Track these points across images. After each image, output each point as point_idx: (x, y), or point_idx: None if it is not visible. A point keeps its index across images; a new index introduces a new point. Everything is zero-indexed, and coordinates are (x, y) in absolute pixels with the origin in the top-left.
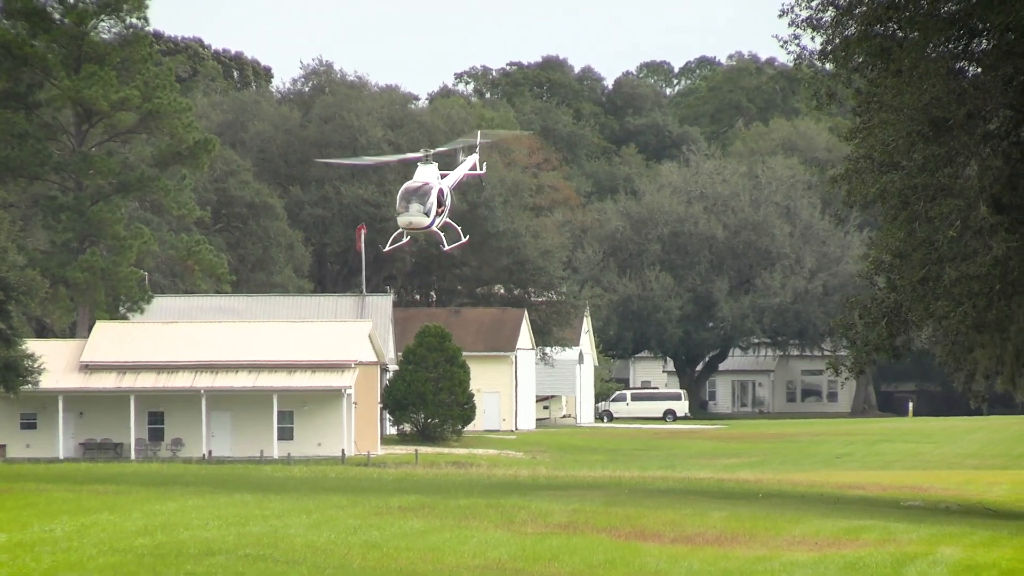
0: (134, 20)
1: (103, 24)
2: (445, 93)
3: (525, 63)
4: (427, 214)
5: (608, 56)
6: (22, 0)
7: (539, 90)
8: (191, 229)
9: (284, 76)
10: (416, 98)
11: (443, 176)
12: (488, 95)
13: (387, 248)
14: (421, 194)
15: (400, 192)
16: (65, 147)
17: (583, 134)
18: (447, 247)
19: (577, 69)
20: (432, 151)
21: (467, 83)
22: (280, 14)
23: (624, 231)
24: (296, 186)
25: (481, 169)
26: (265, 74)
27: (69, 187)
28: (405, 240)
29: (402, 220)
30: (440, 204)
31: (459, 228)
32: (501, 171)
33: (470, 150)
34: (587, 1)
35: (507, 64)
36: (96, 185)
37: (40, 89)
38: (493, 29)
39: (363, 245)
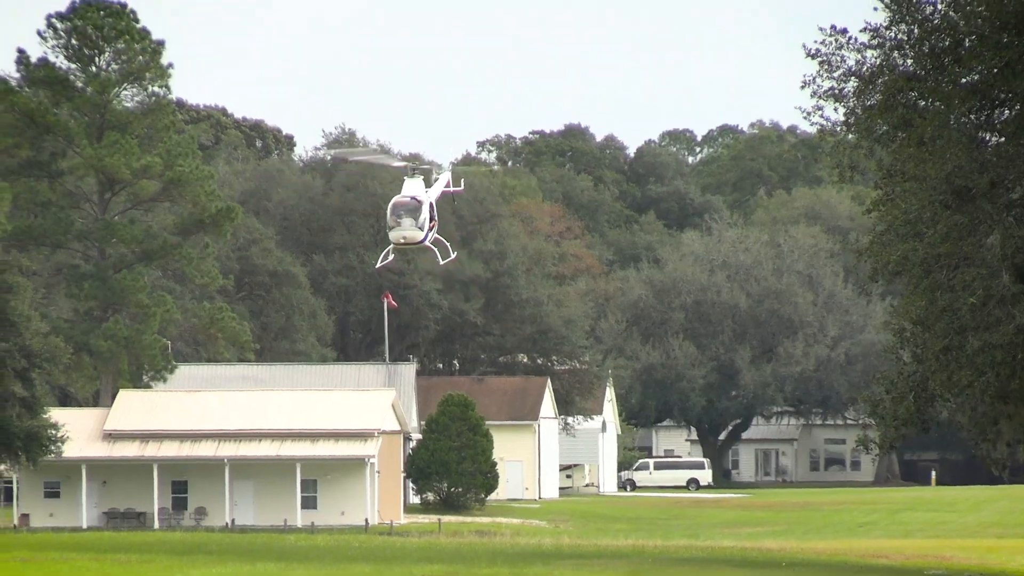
0: (156, 88)
1: (126, 92)
2: (468, 161)
3: (547, 131)
4: (420, 228)
5: (630, 124)
6: (45, 69)
7: (561, 158)
8: (214, 297)
9: (307, 144)
10: (439, 166)
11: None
12: (511, 163)
13: (378, 265)
14: (412, 208)
15: (390, 207)
16: (88, 215)
17: (605, 202)
18: (442, 262)
19: (599, 137)
20: (417, 165)
21: (490, 151)
22: (302, 82)
23: (647, 300)
24: (319, 254)
25: (459, 185)
26: (287, 142)
27: (92, 255)
28: (390, 259)
29: (395, 235)
30: (432, 218)
31: (448, 243)
32: (524, 239)
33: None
34: (609, 70)
35: (530, 132)
36: (119, 253)
37: (63, 157)
38: (516, 97)
39: (387, 309)
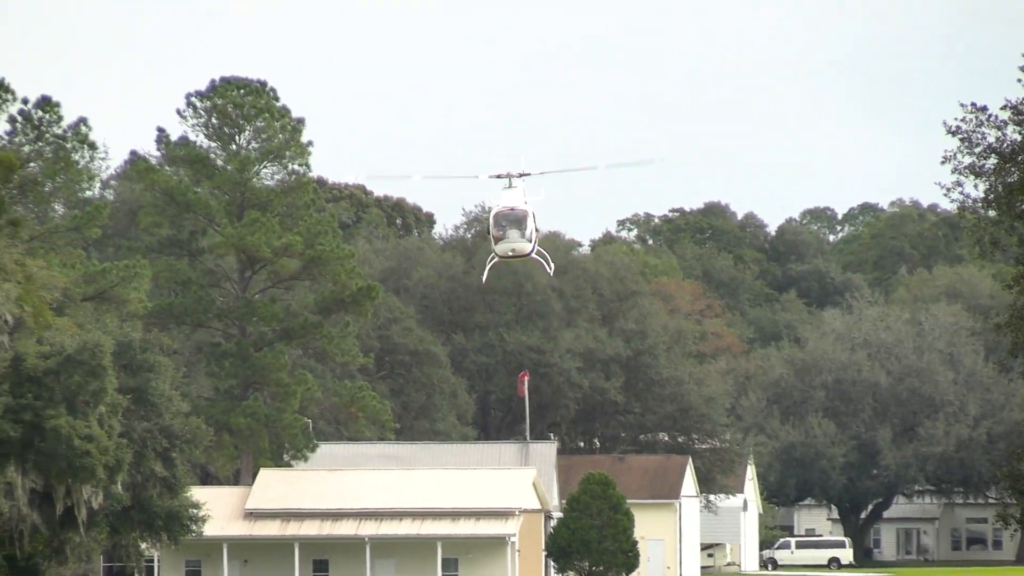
0: (297, 167)
1: (266, 170)
2: (608, 239)
3: (687, 209)
4: (528, 240)
5: (771, 202)
6: (185, 147)
7: (701, 236)
8: (355, 376)
9: (447, 222)
10: (580, 245)
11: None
12: (651, 241)
13: (484, 277)
14: (518, 219)
15: (493, 218)
16: (228, 294)
17: (745, 280)
18: (551, 270)
19: (740, 215)
20: (515, 174)
21: (630, 229)
22: (443, 161)
23: (787, 378)
24: (459, 333)
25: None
26: (428, 220)
27: (233, 334)
28: (487, 270)
29: (502, 247)
30: (536, 229)
31: (547, 254)
32: (664, 318)
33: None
34: (749, 148)
35: (669, 211)
36: (259, 332)
37: (203, 236)
38: (655, 176)
39: (527, 392)
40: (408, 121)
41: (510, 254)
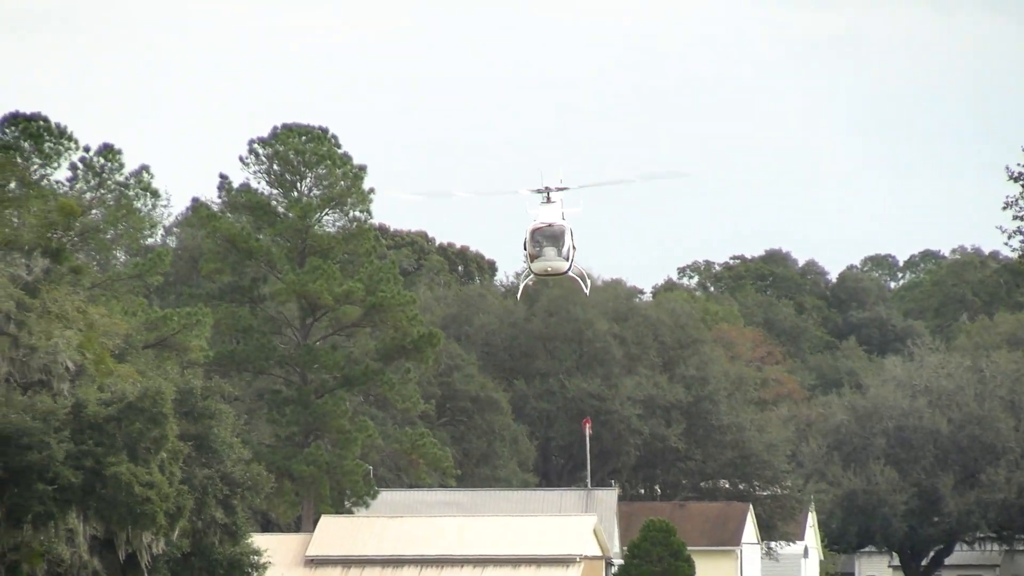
0: (358, 213)
1: (327, 217)
2: (669, 287)
3: (748, 256)
4: (565, 258)
5: (831, 249)
6: (247, 194)
7: (762, 283)
8: (415, 423)
9: (508, 269)
10: (641, 292)
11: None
12: (712, 288)
13: (519, 295)
14: (554, 236)
15: (529, 235)
16: (289, 340)
17: (806, 327)
18: (587, 288)
19: (801, 262)
20: (552, 188)
21: (691, 277)
22: (503, 209)
23: (848, 425)
24: (521, 379)
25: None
26: (489, 267)
27: (294, 381)
28: (523, 287)
29: (538, 266)
30: (573, 246)
31: (584, 272)
32: (725, 364)
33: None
34: (810, 195)
35: (730, 258)
36: (321, 379)
37: (264, 283)
38: (716, 223)
39: (588, 438)
40: (464, 167)
41: (547, 272)
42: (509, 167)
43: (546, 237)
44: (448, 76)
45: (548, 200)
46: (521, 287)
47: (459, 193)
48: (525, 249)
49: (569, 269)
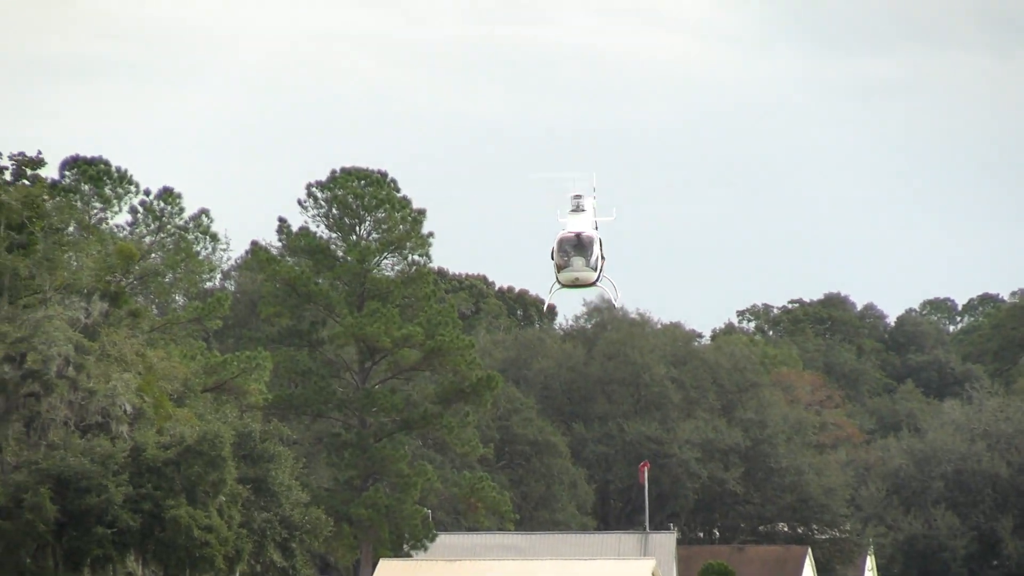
0: (417, 257)
1: (386, 261)
2: (728, 330)
3: (807, 300)
4: (593, 268)
5: (890, 293)
6: (306, 237)
7: (820, 327)
8: (474, 466)
9: (567, 313)
10: (700, 335)
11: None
12: (770, 332)
13: (546, 305)
14: (583, 246)
15: (557, 244)
16: (348, 384)
17: (865, 371)
18: (617, 300)
19: (859, 306)
20: (580, 195)
21: (750, 320)
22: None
23: (907, 469)
24: (579, 423)
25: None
26: (548, 311)
27: (352, 424)
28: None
29: (566, 276)
30: (602, 256)
31: (614, 283)
32: (784, 408)
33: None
34: (869, 238)
35: (789, 301)
36: (379, 422)
37: (323, 326)
38: (775, 266)
39: (646, 482)
40: (523, 208)
41: (574, 282)
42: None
43: (574, 247)
44: (504, 118)
45: (579, 208)
46: (548, 299)
47: (533, 178)
48: (552, 259)
49: (598, 279)
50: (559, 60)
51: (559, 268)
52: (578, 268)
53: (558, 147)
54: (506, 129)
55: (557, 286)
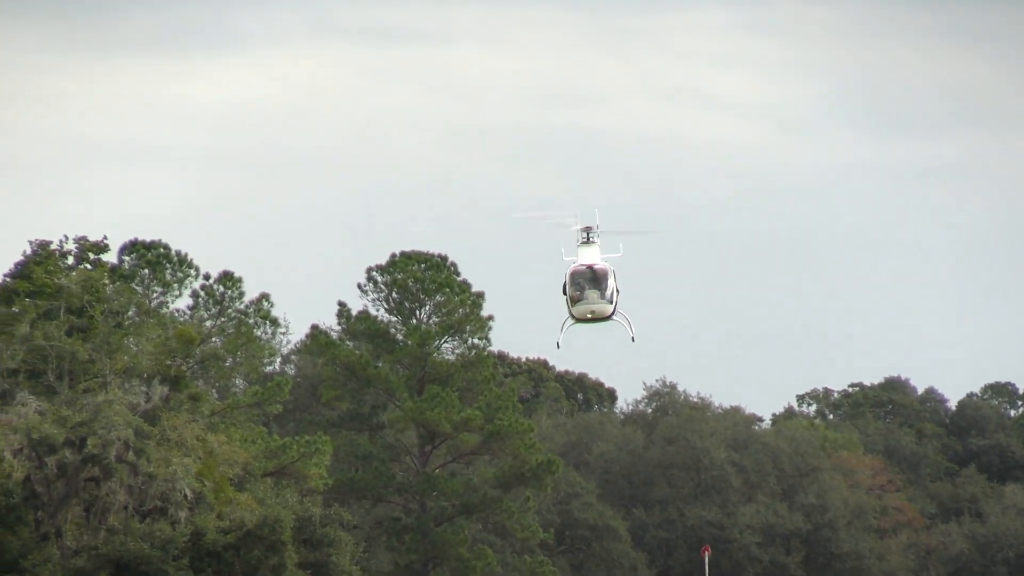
0: (476, 340)
1: (446, 345)
2: (788, 414)
3: (867, 384)
4: (609, 301)
5: (951, 377)
6: (366, 321)
7: (881, 411)
8: (534, 551)
9: (627, 397)
10: (760, 419)
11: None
12: (831, 416)
13: (559, 343)
14: (597, 278)
15: (569, 277)
16: (408, 468)
17: (926, 455)
18: (633, 334)
19: (920, 390)
20: (590, 227)
21: (809, 404)
22: (624, 334)
23: (969, 553)
24: (639, 507)
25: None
26: (609, 396)
27: (412, 508)
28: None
29: (579, 310)
30: (617, 289)
31: (629, 317)
32: (845, 492)
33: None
34: (929, 322)
35: (849, 385)
36: (439, 506)
37: (383, 410)
38: (835, 350)
39: (707, 566)
40: None
41: (588, 316)
42: None
43: (587, 280)
44: (560, 201)
45: (588, 241)
46: (561, 335)
47: (518, 215)
48: (564, 293)
49: (614, 313)
50: (611, 142)
51: (573, 301)
52: (593, 301)
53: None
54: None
55: (571, 322)
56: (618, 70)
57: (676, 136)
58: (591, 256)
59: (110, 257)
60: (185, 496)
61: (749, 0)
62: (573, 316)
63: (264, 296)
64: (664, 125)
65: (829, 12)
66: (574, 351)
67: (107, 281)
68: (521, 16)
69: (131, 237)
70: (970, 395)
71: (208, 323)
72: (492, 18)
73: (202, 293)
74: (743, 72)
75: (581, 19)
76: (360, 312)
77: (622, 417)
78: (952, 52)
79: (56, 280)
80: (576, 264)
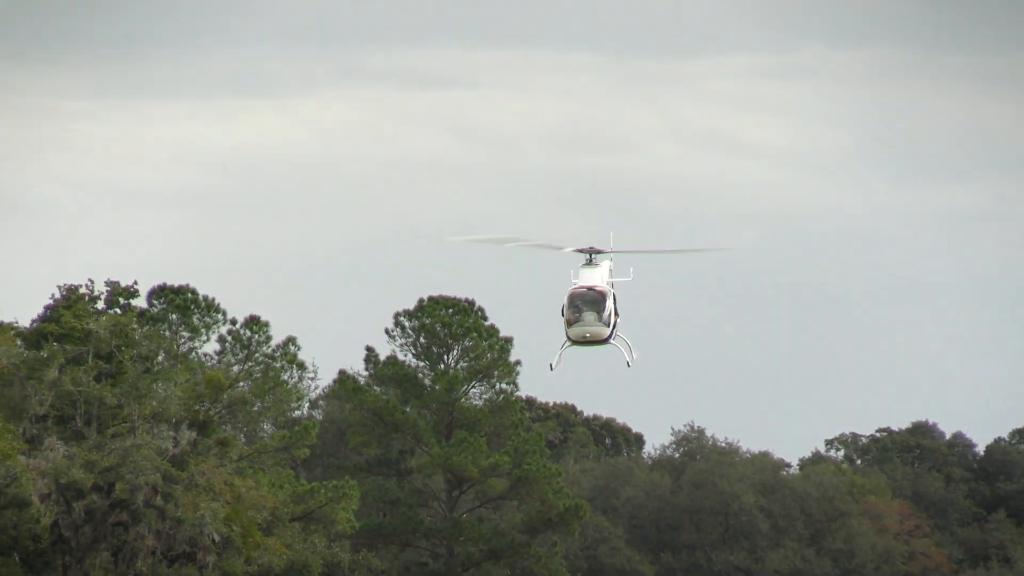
0: (504, 385)
1: (474, 390)
2: (816, 459)
3: (895, 428)
4: (606, 324)
5: (978, 421)
6: (394, 367)
7: (908, 455)
8: None
9: (655, 441)
10: (788, 464)
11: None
12: (859, 461)
13: (554, 366)
14: (594, 300)
15: (567, 298)
16: (436, 513)
17: (955, 500)
18: (631, 360)
19: (947, 434)
20: (597, 249)
21: (838, 449)
22: (651, 378)
23: None
24: (667, 552)
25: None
26: (636, 440)
27: (441, 553)
28: (560, 361)
29: (575, 332)
30: (616, 313)
31: (630, 343)
32: (873, 538)
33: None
34: (957, 366)
35: (877, 430)
36: (467, 552)
37: (411, 455)
38: (862, 394)
39: None
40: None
41: (585, 338)
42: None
43: (586, 302)
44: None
45: (591, 262)
46: (557, 357)
47: (512, 245)
48: (563, 315)
49: (611, 337)
50: (643, 189)
51: (569, 323)
52: (589, 323)
53: (643, 277)
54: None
55: (568, 343)
56: (645, 115)
57: (704, 180)
58: (592, 278)
59: (139, 302)
60: (213, 541)
61: (775, 45)
62: (570, 338)
63: (291, 340)
64: (692, 169)
65: (854, 56)
66: (602, 395)
67: (136, 326)
68: (549, 61)
69: (159, 281)
70: (998, 440)
71: (235, 367)
72: (520, 63)
73: (229, 338)
74: (770, 116)
75: (609, 64)
76: (388, 357)
77: (650, 462)
78: (980, 96)
79: (85, 325)
80: (576, 286)
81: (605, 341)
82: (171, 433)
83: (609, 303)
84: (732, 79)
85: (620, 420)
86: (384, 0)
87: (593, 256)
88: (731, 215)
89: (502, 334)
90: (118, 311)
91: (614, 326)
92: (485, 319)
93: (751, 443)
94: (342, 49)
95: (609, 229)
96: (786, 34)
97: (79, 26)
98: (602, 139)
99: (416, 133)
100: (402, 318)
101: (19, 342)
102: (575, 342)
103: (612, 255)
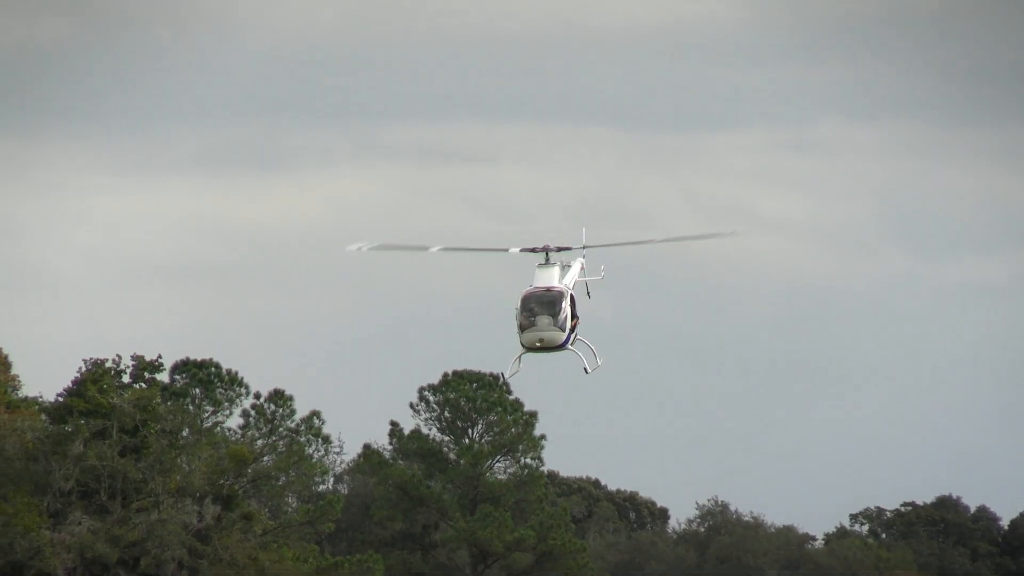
0: (529, 460)
1: (498, 464)
2: (841, 533)
3: (919, 502)
4: (561, 328)
5: (1003, 495)
6: (418, 441)
7: (933, 529)
8: None
9: (680, 516)
10: (813, 539)
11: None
12: (884, 535)
13: (508, 375)
14: (551, 302)
15: (521, 301)
16: None
17: (980, 574)
18: (589, 370)
19: (972, 508)
20: (552, 247)
21: (863, 523)
22: (676, 452)
23: None
24: None
25: (598, 274)
26: (661, 515)
27: None
28: (519, 368)
29: (529, 337)
30: (574, 315)
31: (594, 348)
32: None
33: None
34: (980, 441)
35: (901, 504)
36: None
37: (436, 529)
38: (887, 468)
39: None
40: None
41: (538, 344)
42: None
43: (540, 304)
44: (612, 322)
45: (547, 262)
46: (511, 366)
47: (435, 249)
48: (516, 320)
49: (568, 342)
50: (657, 260)
51: (522, 329)
52: (543, 327)
53: (665, 350)
54: (612, 330)
55: (522, 350)
56: (662, 189)
57: (721, 254)
58: (547, 278)
59: (162, 376)
60: None
61: (791, 119)
62: (523, 345)
63: (315, 414)
64: (709, 244)
65: (871, 131)
66: (626, 469)
67: (159, 400)
68: (566, 135)
69: (182, 355)
70: (1023, 514)
71: (259, 441)
72: (537, 137)
73: (252, 412)
74: (787, 190)
75: (625, 138)
76: (412, 431)
77: (675, 536)
78: (997, 169)
79: (109, 399)
80: (529, 287)
81: (562, 347)
82: (195, 507)
83: (565, 304)
84: (748, 153)
85: (644, 494)
86: (400, 75)
87: (549, 255)
88: (748, 289)
89: (527, 408)
90: (143, 385)
91: (572, 330)
92: (510, 393)
93: (776, 517)
94: (360, 124)
95: (623, 302)
96: (803, 109)
97: (98, 101)
98: (618, 213)
99: (433, 207)
100: (427, 392)
101: (43, 416)
102: (528, 348)
103: (584, 252)
